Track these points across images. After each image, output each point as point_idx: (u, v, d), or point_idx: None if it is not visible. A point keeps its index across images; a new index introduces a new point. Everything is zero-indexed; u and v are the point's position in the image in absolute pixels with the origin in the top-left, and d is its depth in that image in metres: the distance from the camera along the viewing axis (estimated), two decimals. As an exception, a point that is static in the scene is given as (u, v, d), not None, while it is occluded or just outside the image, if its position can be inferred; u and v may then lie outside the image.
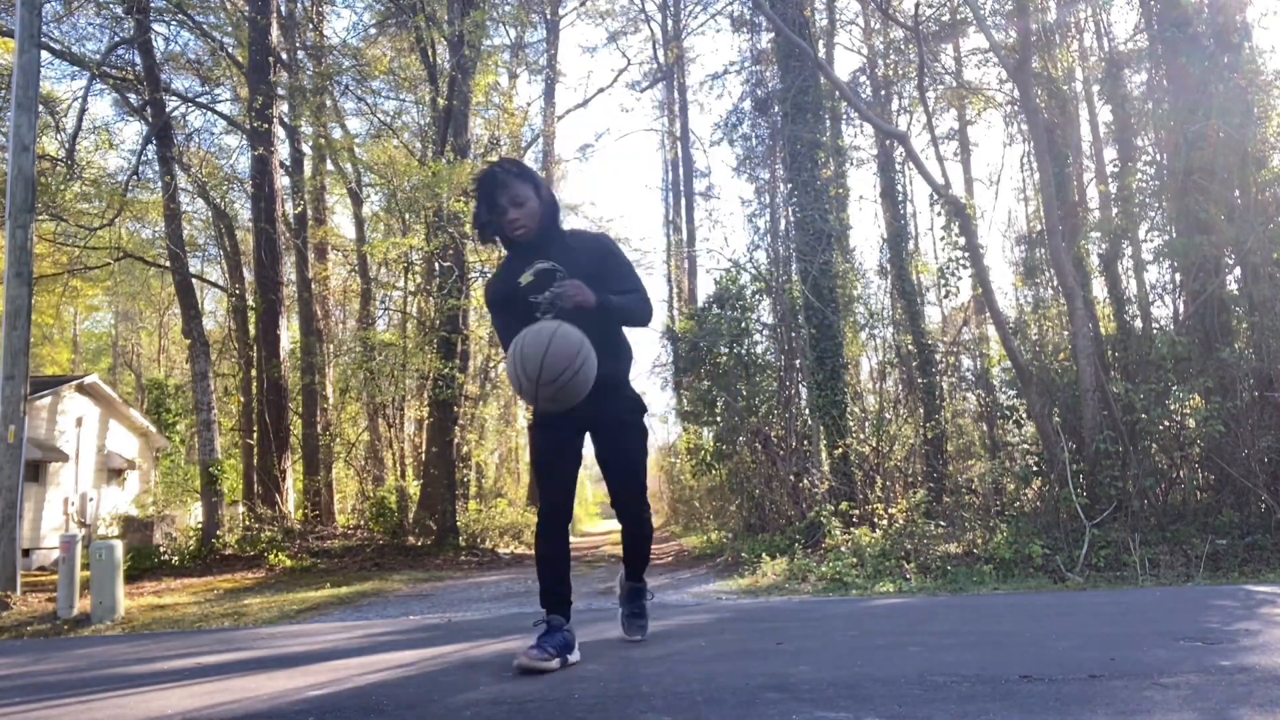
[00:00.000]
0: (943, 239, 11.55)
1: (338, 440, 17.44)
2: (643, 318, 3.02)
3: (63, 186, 13.70)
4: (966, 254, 10.03)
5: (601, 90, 39.45)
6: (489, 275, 3.17)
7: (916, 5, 11.72)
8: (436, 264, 14.46)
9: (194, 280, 15.14)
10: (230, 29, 15.99)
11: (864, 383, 13.49)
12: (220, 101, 17.89)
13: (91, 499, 17.50)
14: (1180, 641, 2.90)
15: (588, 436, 3.10)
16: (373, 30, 19.33)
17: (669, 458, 25.22)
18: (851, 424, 10.64)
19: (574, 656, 2.88)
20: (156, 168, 14.60)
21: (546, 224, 2.96)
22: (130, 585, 8.68)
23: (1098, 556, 6.70)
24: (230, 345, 19.02)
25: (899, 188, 14.40)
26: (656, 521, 30.20)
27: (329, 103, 17.33)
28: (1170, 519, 7.41)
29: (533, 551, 14.87)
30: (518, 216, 2.91)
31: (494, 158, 19.45)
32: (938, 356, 12.20)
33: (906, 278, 12.93)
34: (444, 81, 14.18)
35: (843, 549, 7.74)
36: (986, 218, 19.58)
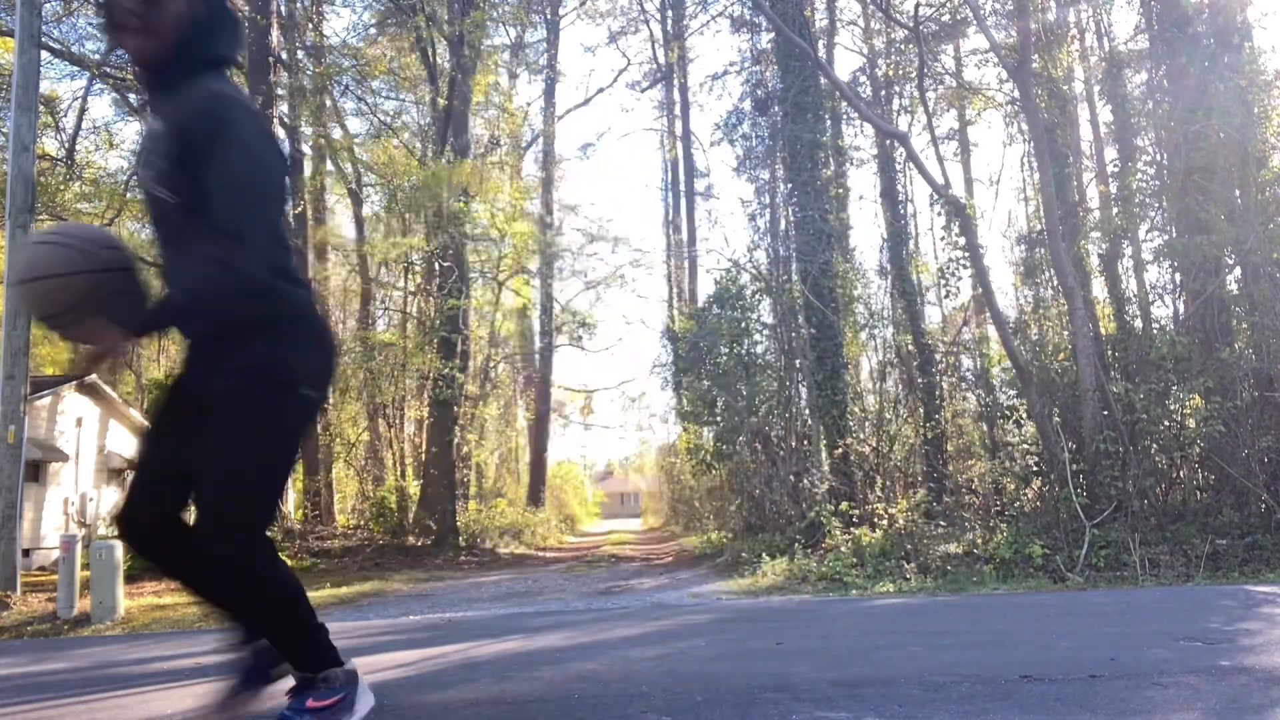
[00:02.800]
0: (943, 239, 11.55)
1: (338, 440, 17.43)
2: (215, 300, 1.80)
3: (63, 187, 13.70)
4: (966, 254, 10.04)
5: (602, 90, 39.54)
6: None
7: (916, 5, 11.72)
8: (436, 264, 14.46)
9: (194, 280, 15.12)
10: (230, 29, 15.96)
11: (864, 383, 13.49)
12: (220, 101, 17.86)
13: (91, 499, 17.49)
14: (1180, 641, 2.90)
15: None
16: (373, 30, 19.33)
17: (669, 458, 25.23)
18: (851, 424, 10.64)
19: None
20: (156, 168, 14.58)
21: (174, 53, 1.86)
22: (130, 585, 8.66)
23: (1098, 556, 6.69)
24: (230, 345, 18.97)
25: (899, 188, 14.40)
26: (655, 521, 30.15)
27: (329, 103, 17.32)
28: (1170, 519, 7.41)
29: (534, 552, 14.63)
30: (134, 10, 1.82)
31: (493, 159, 19.44)
32: (938, 356, 12.20)
33: (906, 278, 12.93)
34: (444, 81, 14.18)
35: (843, 549, 7.74)
36: (986, 218, 19.59)
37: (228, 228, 1.74)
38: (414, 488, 14.17)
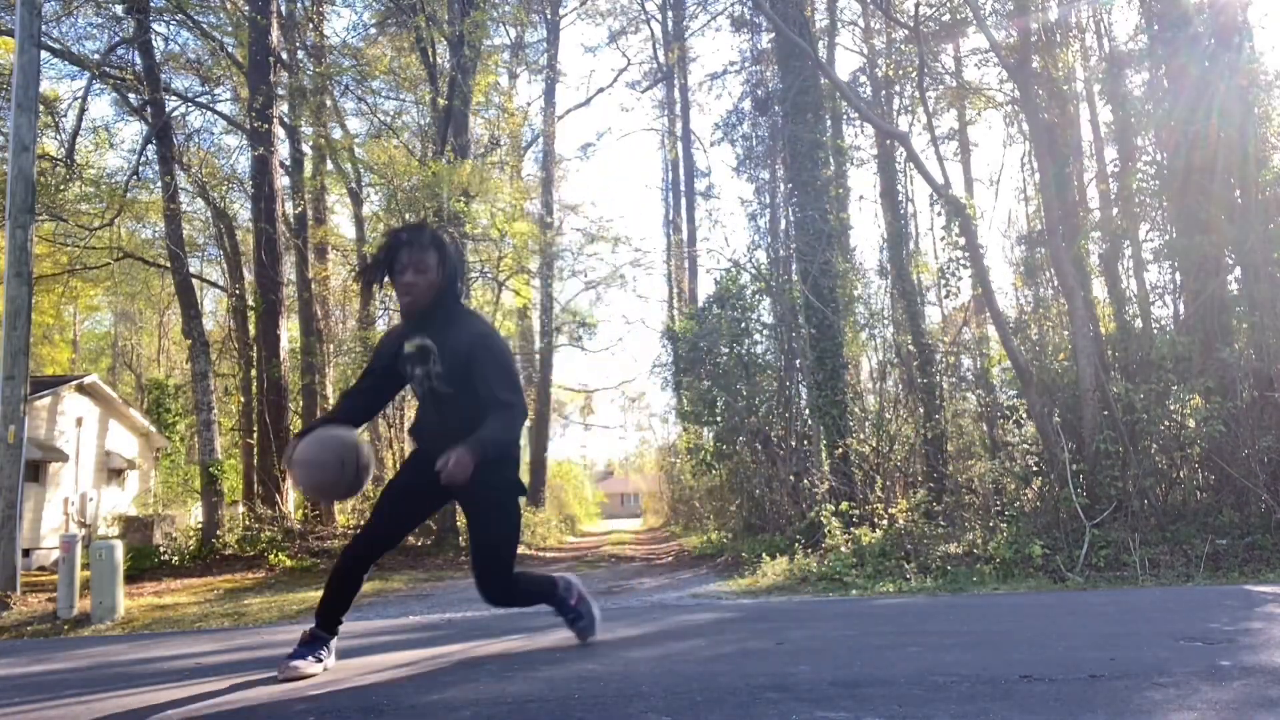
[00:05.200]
0: (943, 239, 11.54)
1: (338, 440, 17.37)
2: (510, 440, 2.95)
3: (63, 187, 13.70)
4: (966, 254, 10.03)
5: (602, 90, 39.45)
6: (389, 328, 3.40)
7: (916, 5, 11.72)
8: (437, 264, 14.42)
9: (194, 280, 15.13)
10: (230, 29, 15.98)
11: (864, 383, 13.49)
12: (220, 101, 17.89)
13: (91, 499, 17.49)
14: (1180, 641, 2.90)
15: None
16: (373, 30, 19.34)
17: (669, 458, 25.24)
18: (851, 424, 10.64)
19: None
20: (156, 168, 14.60)
21: (438, 299, 2.91)
22: (130, 585, 8.68)
23: (1098, 556, 6.70)
24: (230, 345, 19.00)
25: (899, 188, 14.41)
26: (655, 521, 30.31)
27: (329, 103, 17.32)
28: (1170, 519, 7.41)
29: (535, 552, 14.70)
30: (413, 282, 2.87)
31: (493, 159, 19.46)
32: (938, 356, 12.19)
33: (906, 278, 12.93)
34: (444, 81, 14.18)
35: (843, 549, 7.74)
36: (986, 218, 19.60)
37: (509, 400, 2.84)
38: (414, 488, 14.15)
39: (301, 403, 16.53)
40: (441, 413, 2.95)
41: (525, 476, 24.40)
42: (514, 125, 20.78)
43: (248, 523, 12.98)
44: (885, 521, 8.46)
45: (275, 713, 2.34)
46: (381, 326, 18.63)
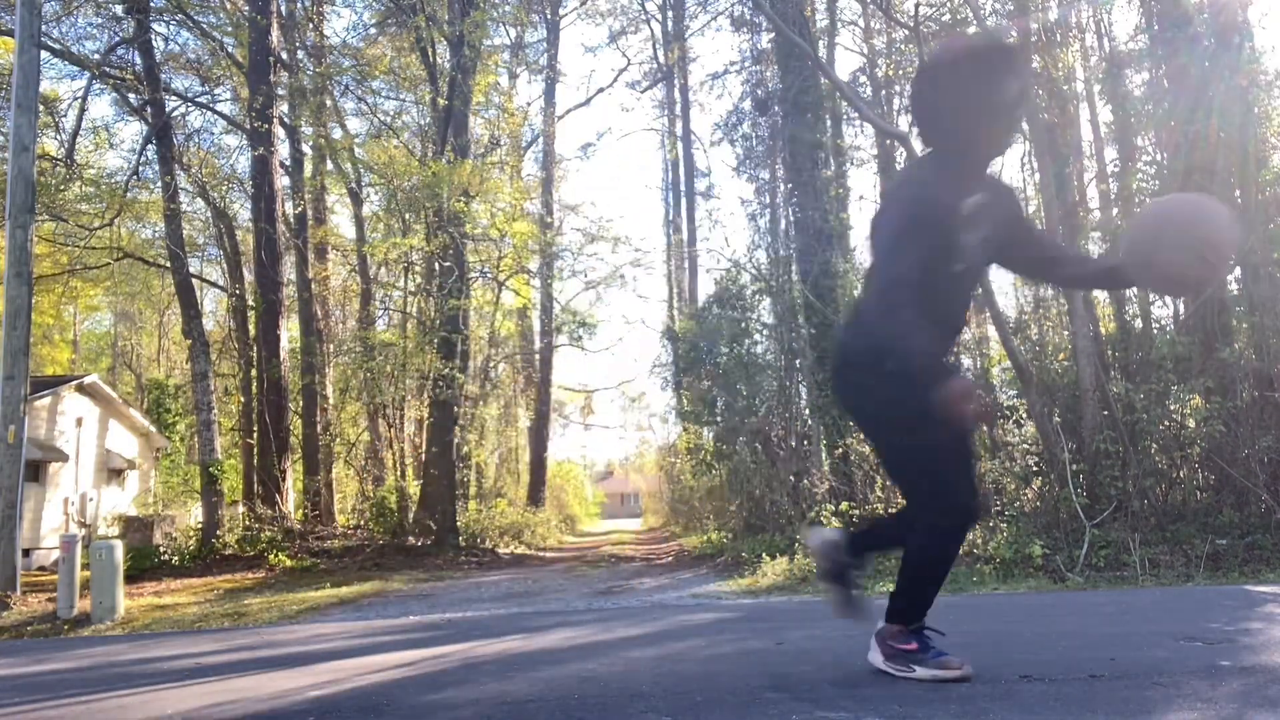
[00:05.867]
0: (943, 239, 11.52)
1: (338, 440, 17.42)
2: None
3: (63, 187, 13.71)
4: (966, 254, 10.02)
5: (602, 90, 39.33)
6: (922, 185, 2.30)
7: (916, 5, 11.73)
8: (436, 264, 14.46)
9: (194, 280, 15.14)
10: (230, 29, 15.99)
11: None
12: (220, 101, 17.90)
13: (91, 499, 17.48)
14: (1180, 641, 2.89)
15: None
16: (373, 30, 19.34)
17: (669, 458, 25.23)
18: (851, 424, 10.64)
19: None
20: (156, 168, 14.61)
21: None
22: (130, 585, 8.67)
23: (1098, 556, 6.69)
24: (230, 345, 19.02)
25: (899, 188, 14.37)
26: (655, 521, 30.25)
27: (329, 103, 17.32)
28: (1170, 519, 7.41)
29: (535, 552, 14.64)
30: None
31: (493, 159, 19.42)
32: (938, 356, 12.18)
33: (906, 278, 12.91)
34: (444, 81, 14.18)
35: (843, 549, 7.73)
36: (986, 218, 19.53)
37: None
38: (414, 488, 14.17)
39: (301, 403, 16.54)
40: (970, 292, 2.47)
41: (524, 475, 24.51)
42: (514, 125, 20.78)
43: (248, 523, 12.98)
44: (885, 521, 8.44)
45: (275, 713, 2.35)
46: (381, 326, 18.66)
